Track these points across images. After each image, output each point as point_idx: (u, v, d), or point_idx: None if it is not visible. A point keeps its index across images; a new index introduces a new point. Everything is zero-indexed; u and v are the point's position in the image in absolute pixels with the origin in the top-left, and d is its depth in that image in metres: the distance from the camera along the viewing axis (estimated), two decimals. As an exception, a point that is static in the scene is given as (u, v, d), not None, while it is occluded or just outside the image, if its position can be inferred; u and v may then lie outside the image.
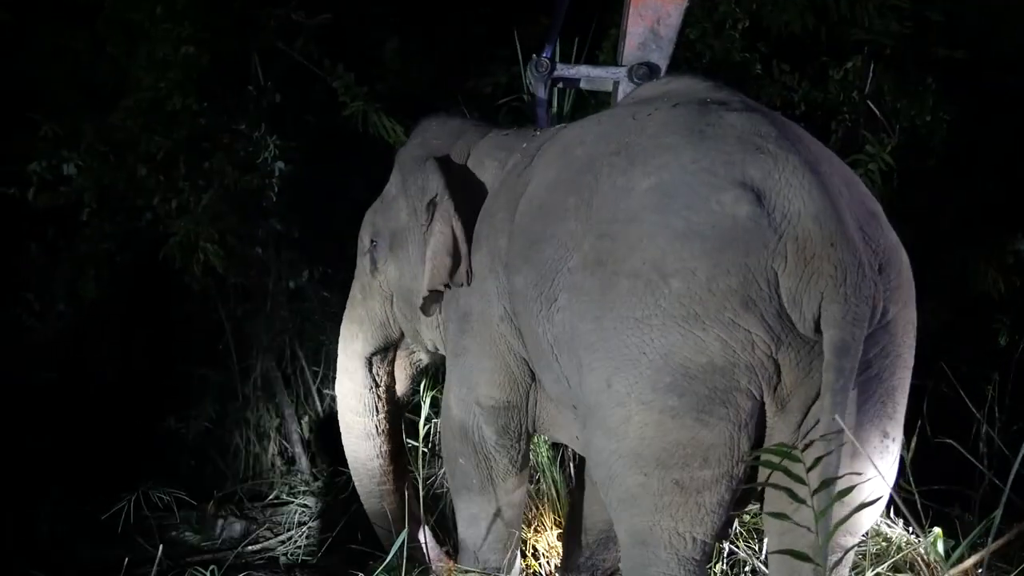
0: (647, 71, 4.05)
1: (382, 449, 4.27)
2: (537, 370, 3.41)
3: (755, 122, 2.94)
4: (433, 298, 3.80)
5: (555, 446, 4.65)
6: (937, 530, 3.11)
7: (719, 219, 2.75)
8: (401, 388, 4.35)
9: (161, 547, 3.86)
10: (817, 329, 2.73)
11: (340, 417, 4.33)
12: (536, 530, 4.39)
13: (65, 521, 4.88)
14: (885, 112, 5.52)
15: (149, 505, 5.16)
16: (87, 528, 4.95)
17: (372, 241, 4.12)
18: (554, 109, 4.66)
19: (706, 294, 2.73)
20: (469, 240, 3.67)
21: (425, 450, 4.30)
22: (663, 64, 4.11)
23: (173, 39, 5.18)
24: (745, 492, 2.96)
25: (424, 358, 4.29)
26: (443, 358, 4.08)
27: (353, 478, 4.36)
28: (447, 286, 3.71)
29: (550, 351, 3.16)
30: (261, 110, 5.61)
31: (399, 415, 4.38)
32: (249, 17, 5.54)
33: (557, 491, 4.47)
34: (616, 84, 4.16)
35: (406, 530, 3.80)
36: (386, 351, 4.27)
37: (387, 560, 3.64)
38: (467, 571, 3.73)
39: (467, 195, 3.77)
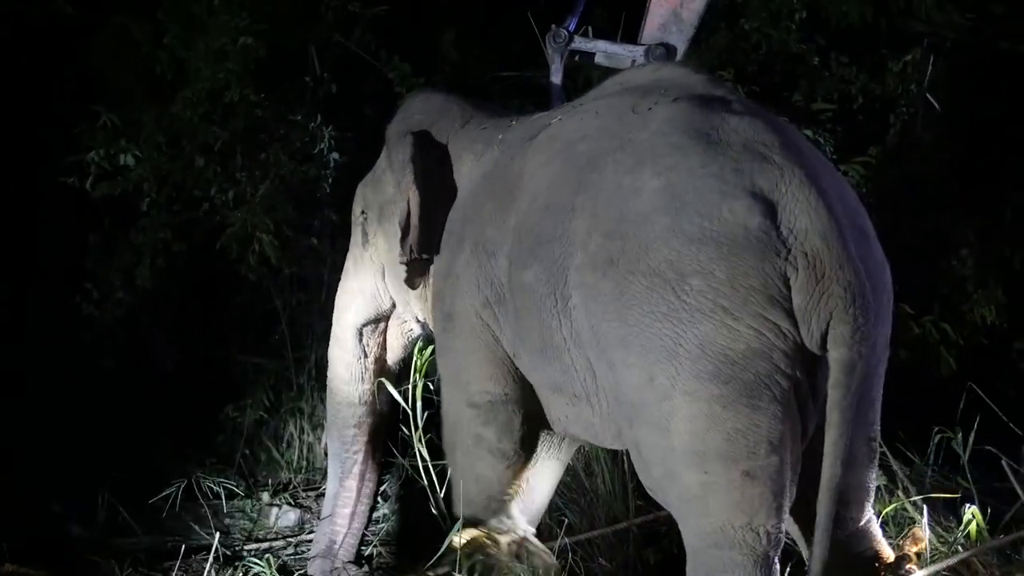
0: (664, 52, 4.06)
1: (361, 419, 4.30)
2: (537, 360, 3.31)
3: (757, 128, 2.95)
4: (415, 271, 3.84)
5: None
6: None
7: (731, 228, 2.76)
8: (393, 358, 4.34)
9: (218, 534, 3.90)
10: (822, 346, 2.77)
11: (328, 383, 4.36)
12: (592, 526, 4.35)
13: (122, 508, 4.92)
14: (944, 105, 5.47)
15: (203, 493, 5.21)
16: (143, 515, 5.00)
17: (363, 213, 4.16)
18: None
19: (729, 290, 2.73)
20: (427, 215, 3.71)
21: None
22: (681, 47, 4.11)
23: (231, 30, 5.23)
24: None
25: (416, 328, 4.26)
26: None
27: (327, 439, 4.42)
28: (413, 258, 3.76)
29: (563, 343, 3.14)
30: (317, 101, 5.65)
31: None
32: (306, 8, 5.58)
33: (612, 486, 4.42)
34: (633, 62, 4.13)
35: (461, 519, 3.78)
36: (377, 322, 4.28)
37: (441, 551, 3.60)
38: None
39: (437, 178, 3.80)
